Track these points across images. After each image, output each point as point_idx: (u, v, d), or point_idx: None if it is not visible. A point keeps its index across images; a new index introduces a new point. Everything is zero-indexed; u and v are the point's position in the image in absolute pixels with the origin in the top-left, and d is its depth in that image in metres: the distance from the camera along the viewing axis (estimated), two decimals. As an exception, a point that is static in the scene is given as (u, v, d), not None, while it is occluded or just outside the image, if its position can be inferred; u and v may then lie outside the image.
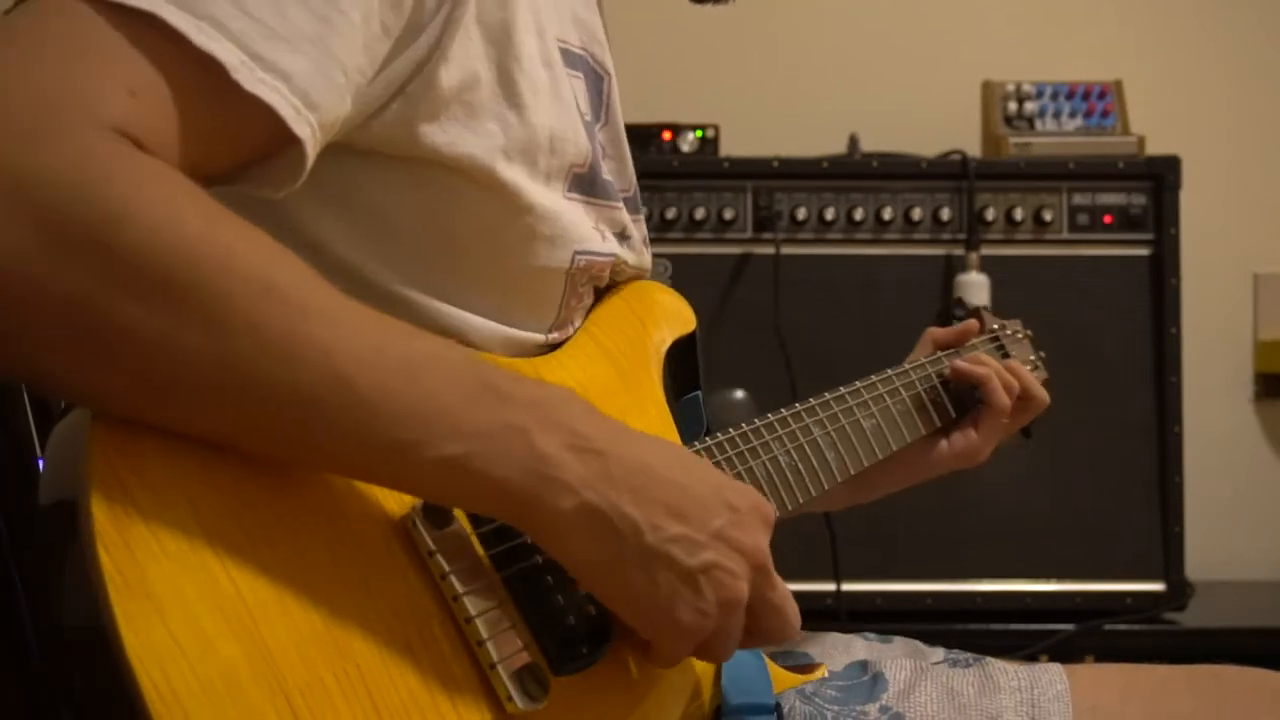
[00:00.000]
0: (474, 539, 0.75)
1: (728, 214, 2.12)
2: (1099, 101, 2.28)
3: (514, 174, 0.86)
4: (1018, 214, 2.14)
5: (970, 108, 2.35)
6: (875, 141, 2.31)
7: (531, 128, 0.86)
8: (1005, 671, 0.96)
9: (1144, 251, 2.13)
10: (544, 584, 0.77)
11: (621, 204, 1.00)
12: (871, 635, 1.24)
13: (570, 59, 0.94)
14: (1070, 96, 2.29)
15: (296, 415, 0.65)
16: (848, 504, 1.28)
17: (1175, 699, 0.93)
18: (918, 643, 1.20)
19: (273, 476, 0.68)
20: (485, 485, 0.70)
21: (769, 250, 2.10)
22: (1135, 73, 2.38)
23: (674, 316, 1.05)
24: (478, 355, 0.82)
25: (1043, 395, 1.29)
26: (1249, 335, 2.54)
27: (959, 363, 1.25)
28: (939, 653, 1.15)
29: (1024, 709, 0.92)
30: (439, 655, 0.70)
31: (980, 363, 1.25)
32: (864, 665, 1.00)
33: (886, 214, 2.13)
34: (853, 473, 1.11)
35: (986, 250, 2.11)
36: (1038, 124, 2.27)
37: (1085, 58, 2.49)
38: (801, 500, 1.04)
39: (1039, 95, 2.29)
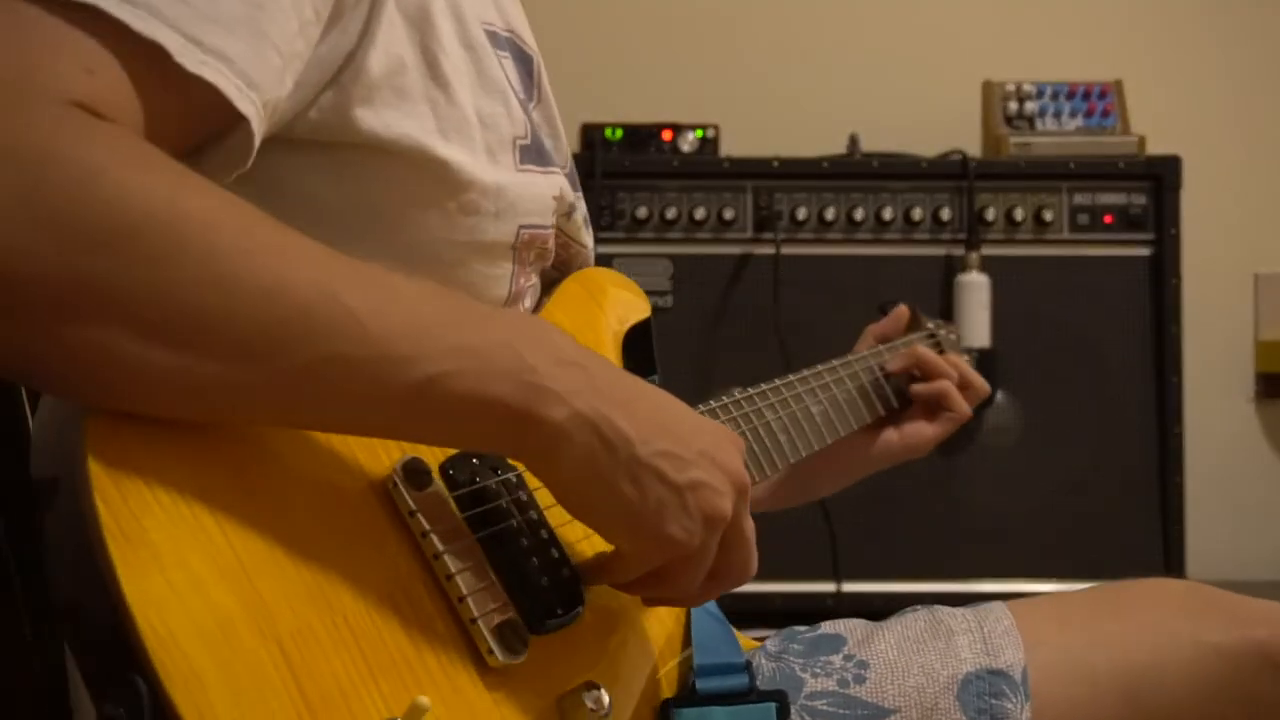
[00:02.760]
0: (451, 502, 0.77)
1: (728, 214, 2.12)
2: (1099, 101, 2.28)
3: (452, 151, 0.87)
4: (1018, 214, 2.14)
5: (970, 107, 2.35)
6: (875, 141, 2.31)
7: (459, 106, 0.89)
8: (953, 615, 0.99)
9: (1144, 251, 2.13)
10: (518, 546, 0.78)
11: (564, 176, 1.03)
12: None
13: (497, 40, 0.96)
14: (1070, 96, 2.29)
15: (291, 334, 0.65)
16: (797, 502, 1.31)
17: (1105, 622, 0.99)
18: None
19: (260, 445, 0.69)
20: (478, 404, 0.69)
21: (769, 250, 2.10)
22: (1136, 72, 2.38)
23: (629, 302, 1.08)
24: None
25: (983, 385, 1.35)
26: (1249, 335, 2.54)
27: (928, 358, 1.29)
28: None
29: (978, 645, 0.95)
30: (422, 611, 0.72)
31: (939, 370, 1.29)
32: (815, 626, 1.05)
33: (886, 214, 2.13)
34: (803, 454, 1.15)
35: (987, 250, 2.11)
36: (1038, 124, 2.27)
37: (1086, 57, 2.49)
38: (757, 480, 1.07)
39: (1039, 95, 2.29)
